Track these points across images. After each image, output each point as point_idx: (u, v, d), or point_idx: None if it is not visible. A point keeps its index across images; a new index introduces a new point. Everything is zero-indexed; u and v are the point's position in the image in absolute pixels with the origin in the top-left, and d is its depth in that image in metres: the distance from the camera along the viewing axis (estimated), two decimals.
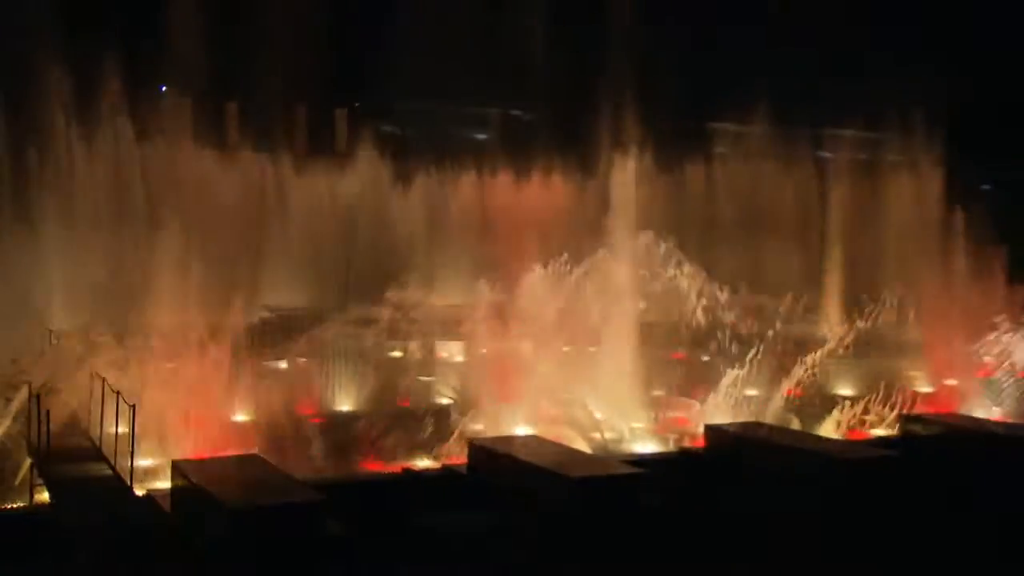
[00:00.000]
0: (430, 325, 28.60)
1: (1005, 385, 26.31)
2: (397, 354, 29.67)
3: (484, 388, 25.58)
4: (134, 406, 15.31)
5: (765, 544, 13.49)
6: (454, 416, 23.13)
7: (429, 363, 28.78)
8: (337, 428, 22.21)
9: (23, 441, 18.03)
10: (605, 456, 17.24)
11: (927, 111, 44.97)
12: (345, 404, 25.06)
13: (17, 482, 16.96)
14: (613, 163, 24.18)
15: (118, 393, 15.96)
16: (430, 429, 21.93)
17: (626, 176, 23.17)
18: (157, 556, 12.64)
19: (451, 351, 30.26)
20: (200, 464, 14.92)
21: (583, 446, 20.13)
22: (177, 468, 14.62)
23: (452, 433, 21.65)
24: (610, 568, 12.50)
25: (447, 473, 16.83)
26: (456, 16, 32.30)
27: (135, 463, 15.57)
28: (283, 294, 28.38)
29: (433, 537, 13.59)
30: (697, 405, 22.92)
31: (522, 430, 22.11)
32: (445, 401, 26.00)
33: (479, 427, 22.45)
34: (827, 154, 48.80)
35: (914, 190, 44.99)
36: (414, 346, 29.34)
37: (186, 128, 28.23)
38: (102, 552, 12.48)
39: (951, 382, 28.25)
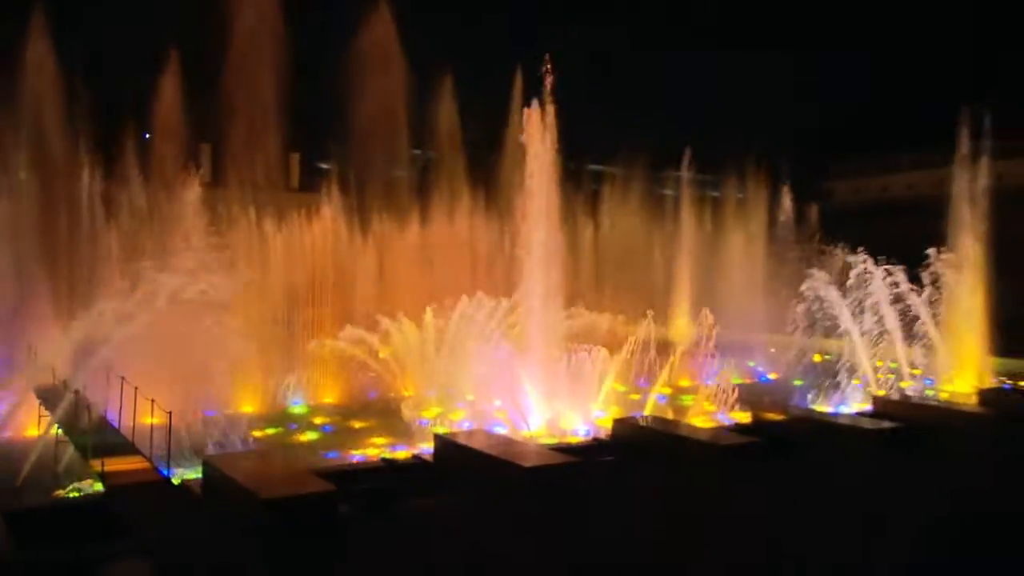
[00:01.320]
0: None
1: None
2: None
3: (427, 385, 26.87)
4: (171, 413, 15.98)
5: (671, 510, 15.07)
6: (406, 409, 24.27)
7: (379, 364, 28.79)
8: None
9: (63, 436, 18.02)
10: (545, 447, 17.61)
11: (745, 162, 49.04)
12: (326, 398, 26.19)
13: (61, 469, 17.04)
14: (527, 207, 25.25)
15: (152, 400, 16.23)
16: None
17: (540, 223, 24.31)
18: (203, 535, 13.23)
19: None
20: (229, 459, 15.45)
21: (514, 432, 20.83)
22: (208, 463, 15.12)
23: (405, 419, 22.43)
24: (557, 534, 13.30)
25: (418, 462, 17.33)
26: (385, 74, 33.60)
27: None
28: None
29: (416, 515, 14.25)
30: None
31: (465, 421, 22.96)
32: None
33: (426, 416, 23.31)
34: (670, 191, 51.93)
35: (741, 222, 48.62)
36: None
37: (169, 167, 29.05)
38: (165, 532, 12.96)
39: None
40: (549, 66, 24.49)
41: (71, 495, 15.90)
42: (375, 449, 20.61)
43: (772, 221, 48.02)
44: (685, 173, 47.75)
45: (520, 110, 25.30)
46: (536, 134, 24.62)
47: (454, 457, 16.84)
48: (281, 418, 23.55)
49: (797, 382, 29.51)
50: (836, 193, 71.66)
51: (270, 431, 21.85)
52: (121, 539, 12.91)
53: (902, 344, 29.10)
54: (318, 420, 23.64)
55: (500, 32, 66.16)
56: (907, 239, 31.21)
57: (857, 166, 72.80)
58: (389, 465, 17.28)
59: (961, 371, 30.90)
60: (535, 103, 24.68)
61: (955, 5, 70.79)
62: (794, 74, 69.05)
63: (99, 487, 15.40)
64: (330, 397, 26.42)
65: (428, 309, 27.53)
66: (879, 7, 74.24)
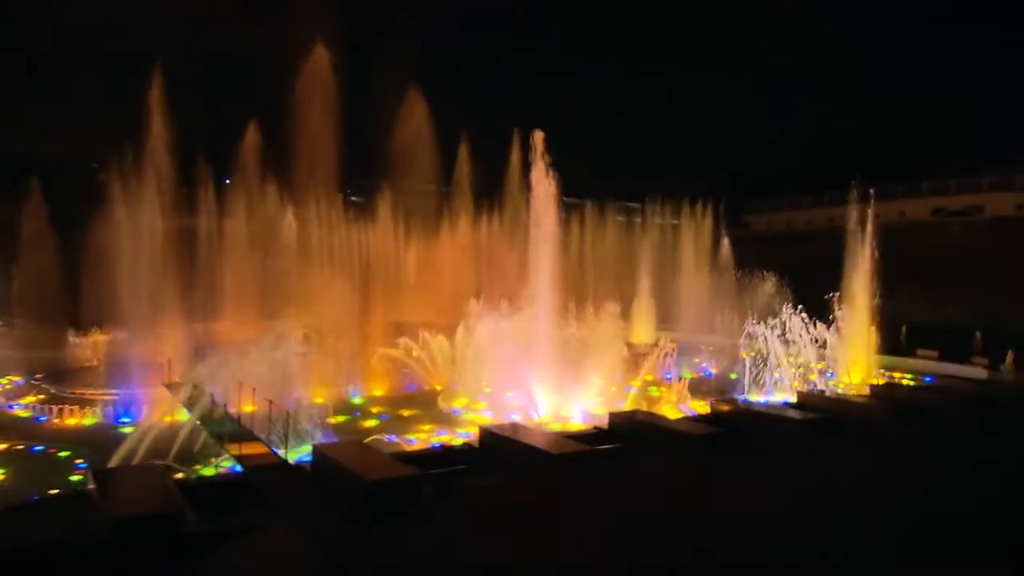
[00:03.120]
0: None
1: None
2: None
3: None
4: (288, 412, 17.01)
5: (659, 488, 16.01)
6: (441, 400, 25.38)
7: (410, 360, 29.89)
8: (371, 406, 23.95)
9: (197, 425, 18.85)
10: (566, 438, 18.13)
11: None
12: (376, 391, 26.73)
13: (196, 451, 18.07)
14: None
15: (271, 401, 17.04)
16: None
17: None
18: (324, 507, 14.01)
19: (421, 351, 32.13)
20: (333, 447, 16.18)
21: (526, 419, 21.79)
22: (316, 449, 15.88)
23: (438, 408, 23.58)
24: (580, 504, 14.30)
25: (467, 448, 18.10)
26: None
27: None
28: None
29: (474, 491, 15.06)
30: None
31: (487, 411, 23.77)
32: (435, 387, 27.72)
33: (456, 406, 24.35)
34: (622, 218, 53.77)
35: (686, 240, 50.51)
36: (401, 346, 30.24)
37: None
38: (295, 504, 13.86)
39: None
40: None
41: (206, 472, 16.67)
42: (423, 434, 21.49)
43: (712, 248, 50.34)
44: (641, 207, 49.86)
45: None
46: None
47: (497, 444, 17.65)
48: (346, 407, 24.33)
49: (732, 376, 31.24)
50: (752, 225, 76.68)
51: (340, 418, 22.59)
52: (262, 509, 13.57)
53: (809, 346, 31.18)
54: (375, 409, 24.42)
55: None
56: (804, 262, 33.50)
57: (771, 204, 77.81)
58: (445, 451, 18.18)
59: (855, 367, 33.16)
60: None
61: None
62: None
63: (227, 464, 16.34)
64: (379, 390, 27.43)
65: (461, 324, 28.37)
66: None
